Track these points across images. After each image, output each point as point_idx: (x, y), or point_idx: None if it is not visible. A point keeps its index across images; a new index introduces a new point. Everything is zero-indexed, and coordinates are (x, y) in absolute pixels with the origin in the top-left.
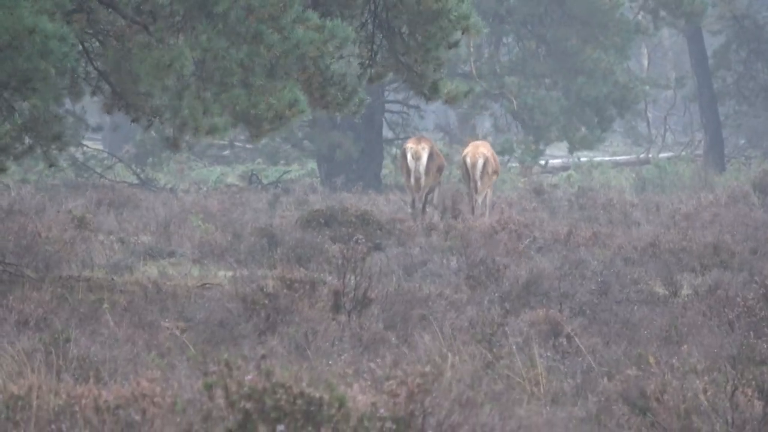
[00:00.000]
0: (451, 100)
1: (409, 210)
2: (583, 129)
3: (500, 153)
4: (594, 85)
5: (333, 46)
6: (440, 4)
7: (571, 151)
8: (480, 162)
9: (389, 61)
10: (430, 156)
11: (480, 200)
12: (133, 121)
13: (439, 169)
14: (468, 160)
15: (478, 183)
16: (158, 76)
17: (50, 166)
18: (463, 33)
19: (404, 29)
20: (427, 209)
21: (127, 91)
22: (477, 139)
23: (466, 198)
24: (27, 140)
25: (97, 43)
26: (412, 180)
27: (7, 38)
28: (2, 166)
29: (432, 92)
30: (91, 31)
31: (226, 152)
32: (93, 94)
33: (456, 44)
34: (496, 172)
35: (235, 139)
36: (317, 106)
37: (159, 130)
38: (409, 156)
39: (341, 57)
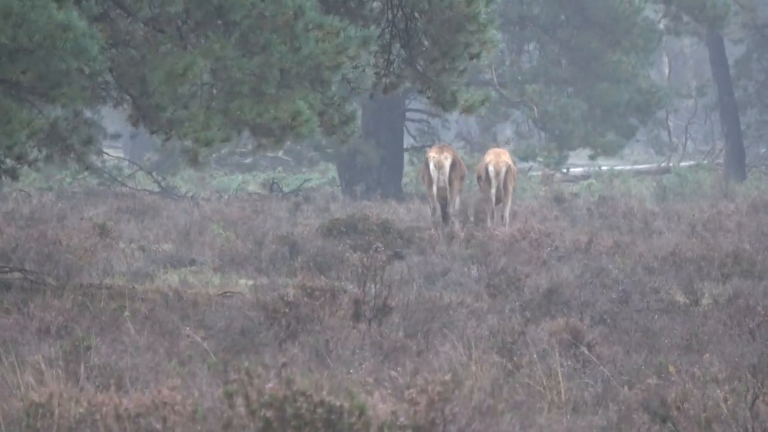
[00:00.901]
0: (467, 110)
1: (430, 218)
2: (606, 136)
3: (523, 159)
4: (617, 89)
5: (347, 57)
6: (472, 8)
7: (592, 158)
8: (503, 170)
9: (405, 70)
10: (453, 165)
11: (507, 211)
12: (152, 133)
13: (461, 178)
14: (491, 168)
15: (502, 191)
16: (171, 84)
17: (86, 168)
18: (481, 46)
19: (425, 39)
20: (450, 218)
21: (144, 103)
22: (498, 146)
23: (486, 206)
24: (44, 149)
25: (117, 53)
26: (435, 189)
27: (39, 38)
28: (16, 173)
29: (450, 102)
30: (111, 41)
31: (248, 160)
32: (116, 105)
33: (477, 56)
34: (514, 179)
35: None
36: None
37: (180, 146)
38: (431, 165)
39: (356, 67)
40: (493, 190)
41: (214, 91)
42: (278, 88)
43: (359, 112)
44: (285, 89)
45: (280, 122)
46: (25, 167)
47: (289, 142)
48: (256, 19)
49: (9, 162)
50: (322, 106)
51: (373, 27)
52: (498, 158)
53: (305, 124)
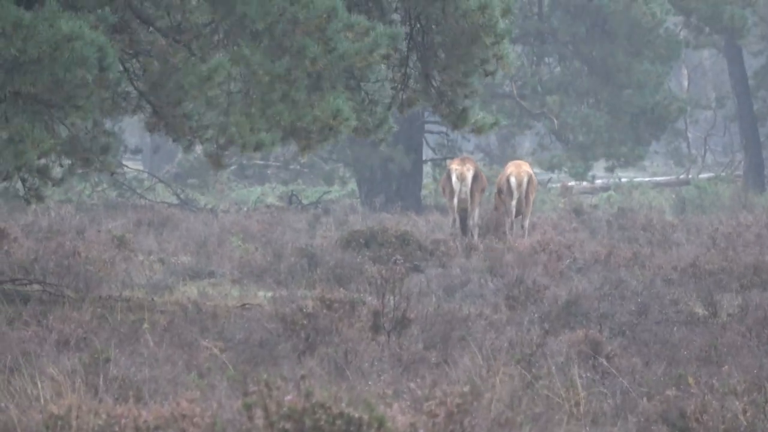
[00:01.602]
0: (477, 130)
1: (449, 230)
2: (626, 146)
3: (548, 170)
4: (640, 97)
5: (379, 55)
6: (486, 18)
7: (608, 169)
8: (525, 180)
9: (421, 85)
10: (475, 177)
11: (527, 222)
12: (174, 140)
13: (482, 191)
14: (513, 179)
15: (523, 203)
16: (201, 89)
17: (111, 174)
18: (497, 61)
19: (441, 52)
20: (470, 230)
21: (167, 111)
22: (520, 158)
23: (505, 219)
24: (66, 161)
25: (138, 64)
26: (455, 201)
27: (47, 49)
28: (40, 194)
29: (461, 121)
30: (131, 52)
31: (269, 170)
32: (134, 113)
33: (492, 73)
34: (535, 191)
35: (276, 160)
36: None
37: (202, 149)
38: (454, 177)
39: (376, 80)
40: (514, 202)
41: (253, 96)
42: (309, 91)
43: (394, 109)
44: (317, 92)
45: (321, 123)
46: (50, 186)
47: (326, 144)
48: (288, 24)
49: (32, 181)
50: (357, 108)
51: (399, 23)
52: (519, 169)
53: (345, 123)
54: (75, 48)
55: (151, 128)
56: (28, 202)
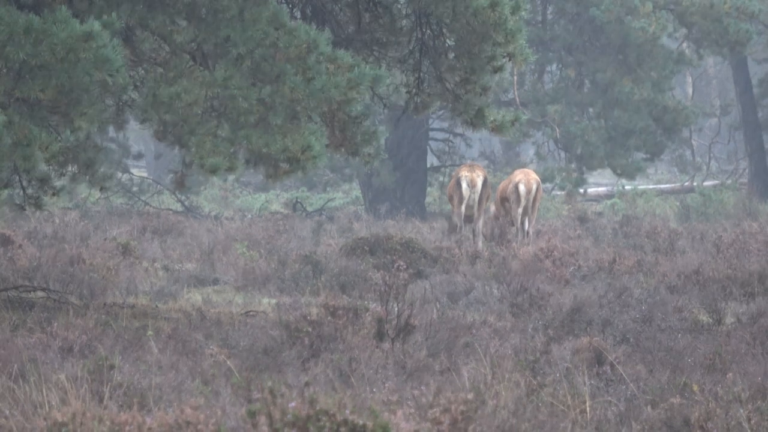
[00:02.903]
0: (496, 129)
1: (454, 235)
2: (624, 160)
3: (543, 181)
4: (629, 117)
5: (358, 93)
6: (497, 15)
7: (615, 176)
8: (534, 187)
9: (435, 88)
10: (483, 183)
11: (533, 229)
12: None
13: (488, 197)
14: (522, 187)
15: (529, 210)
16: (171, 105)
17: (100, 189)
18: (509, 60)
19: (450, 53)
20: (476, 237)
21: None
22: (525, 166)
23: (510, 225)
24: (69, 168)
25: (142, 72)
26: (463, 207)
27: (61, 51)
28: (39, 202)
29: (478, 120)
30: (135, 59)
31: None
32: (143, 121)
33: (501, 69)
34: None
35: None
36: (336, 145)
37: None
38: (464, 184)
39: (389, 84)
40: (520, 209)
41: (218, 120)
42: (286, 119)
43: (382, 131)
44: (293, 120)
45: (289, 154)
46: (49, 195)
47: (298, 173)
48: (268, 49)
49: (31, 190)
50: (342, 126)
51: (383, 67)
52: (528, 176)
53: (312, 160)
54: (91, 49)
55: (159, 137)
56: (23, 209)
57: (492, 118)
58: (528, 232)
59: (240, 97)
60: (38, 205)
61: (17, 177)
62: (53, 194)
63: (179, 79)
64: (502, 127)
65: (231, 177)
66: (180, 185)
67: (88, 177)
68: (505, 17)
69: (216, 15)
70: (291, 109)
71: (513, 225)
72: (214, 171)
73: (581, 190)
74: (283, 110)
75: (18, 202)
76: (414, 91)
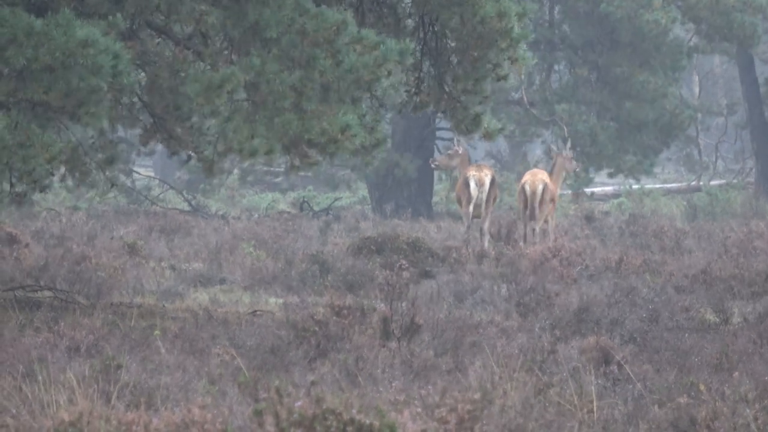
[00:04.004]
0: (487, 136)
1: (462, 236)
2: (633, 157)
3: None
4: (642, 109)
5: (386, 70)
6: (503, 23)
7: (611, 175)
8: (540, 188)
9: (434, 89)
10: (491, 183)
11: (538, 228)
12: (172, 154)
13: (495, 198)
14: (528, 187)
15: (536, 210)
16: (209, 97)
17: (111, 186)
18: (511, 63)
19: (453, 58)
20: (483, 237)
21: (170, 121)
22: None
23: (519, 225)
24: (67, 169)
25: (144, 74)
26: (471, 207)
27: (60, 56)
28: (24, 199)
29: (473, 126)
30: (139, 62)
31: (278, 179)
32: (132, 125)
33: (505, 77)
34: (553, 199)
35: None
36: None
37: (197, 156)
38: (472, 184)
39: (390, 85)
40: (528, 210)
41: (252, 108)
42: (318, 103)
43: (389, 132)
44: (324, 104)
45: (329, 136)
46: (38, 192)
47: (328, 157)
48: (296, 35)
49: (20, 187)
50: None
51: (407, 40)
52: (534, 177)
53: (352, 139)
54: (89, 55)
55: (144, 141)
56: (14, 197)
57: (486, 125)
58: (534, 231)
59: (276, 82)
60: (20, 202)
61: (8, 173)
62: (41, 191)
63: (215, 67)
64: (492, 135)
65: (235, 176)
66: (209, 172)
67: (105, 174)
68: (512, 26)
69: (242, 1)
70: (323, 93)
71: (521, 224)
72: (253, 154)
73: (589, 191)
74: (314, 95)
75: (14, 192)
76: (413, 90)
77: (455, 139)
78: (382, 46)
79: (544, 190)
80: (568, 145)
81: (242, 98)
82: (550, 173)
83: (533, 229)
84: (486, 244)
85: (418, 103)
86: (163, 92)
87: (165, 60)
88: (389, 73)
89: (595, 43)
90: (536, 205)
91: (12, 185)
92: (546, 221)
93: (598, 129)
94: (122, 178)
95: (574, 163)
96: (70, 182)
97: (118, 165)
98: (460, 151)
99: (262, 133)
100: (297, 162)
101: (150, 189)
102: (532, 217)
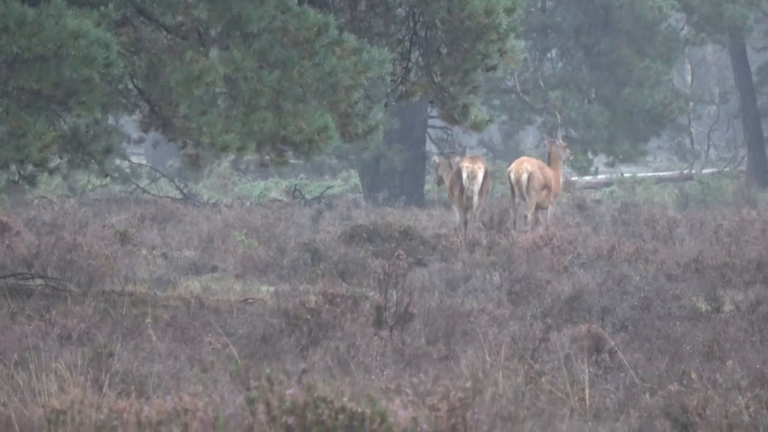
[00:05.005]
0: (475, 127)
1: (456, 225)
2: (627, 143)
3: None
4: (640, 95)
5: (366, 77)
6: (490, 19)
7: (609, 165)
8: (524, 176)
9: (422, 80)
10: (485, 176)
11: (530, 215)
12: (170, 140)
13: (488, 190)
14: (513, 176)
15: (526, 198)
16: (188, 87)
17: (105, 176)
18: (500, 56)
19: (443, 48)
20: (472, 222)
21: (165, 109)
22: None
23: (510, 212)
24: (66, 156)
25: (138, 61)
26: (464, 198)
27: (52, 46)
28: (34, 180)
29: (462, 116)
30: (133, 49)
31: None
32: (131, 111)
33: (494, 68)
34: (547, 187)
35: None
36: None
37: (184, 151)
38: (465, 175)
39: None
40: (516, 198)
41: (231, 101)
42: (295, 104)
43: (381, 118)
44: (300, 104)
45: (305, 135)
46: (45, 174)
47: (303, 156)
48: (277, 33)
49: (29, 168)
50: (346, 117)
51: (387, 48)
52: (519, 166)
53: (327, 141)
54: (80, 46)
55: (145, 128)
56: (15, 183)
57: (474, 116)
58: (527, 218)
59: (254, 79)
60: (32, 183)
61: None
62: (50, 173)
63: (196, 59)
64: (480, 126)
65: (227, 164)
66: (195, 164)
67: (97, 162)
68: (499, 21)
69: None
70: (300, 94)
71: (512, 213)
72: (224, 149)
73: (594, 170)
74: (292, 95)
75: (12, 179)
76: (399, 80)
77: (436, 158)
78: (364, 53)
79: (529, 177)
80: (560, 133)
81: (221, 91)
82: (548, 162)
83: (524, 216)
84: (471, 232)
85: (403, 92)
86: (156, 80)
87: (159, 47)
88: (369, 79)
89: (588, 30)
90: (524, 192)
91: (19, 170)
92: (545, 208)
93: (593, 114)
94: (116, 164)
95: (568, 151)
96: (73, 167)
97: (113, 155)
98: (437, 160)
99: (236, 128)
100: (269, 159)
101: (140, 177)
102: (524, 205)
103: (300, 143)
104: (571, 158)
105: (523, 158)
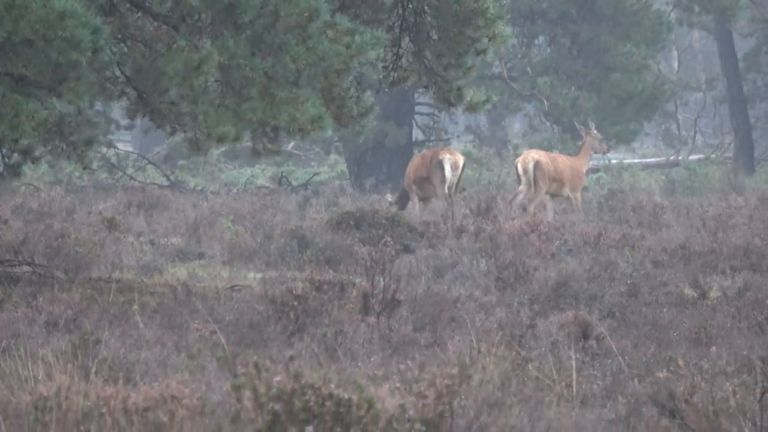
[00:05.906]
0: (471, 108)
1: (416, 214)
2: (617, 126)
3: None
4: (628, 80)
5: (359, 61)
6: (479, 3)
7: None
8: (531, 166)
9: (414, 65)
10: (463, 166)
11: (532, 208)
12: (158, 127)
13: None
14: (519, 166)
15: (533, 186)
16: (186, 77)
17: (84, 168)
18: (489, 40)
19: (434, 34)
20: (453, 213)
21: (152, 96)
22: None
23: (518, 196)
24: (56, 142)
25: (126, 48)
26: (446, 188)
27: (39, 28)
28: (19, 170)
29: (457, 99)
30: (119, 36)
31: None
32: (119, 98)
33: (484, 51)
34: (556, 179)
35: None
36: (331, 117)
37: (183, 136)
38: (447, 166)
39: (365, 62)
40: (523, 186)
41: (224, 89)
42: (288, 90)
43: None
44: (295, 90)
45: (298, 125)
46: (29, 164)
47: (293, 141)
48: (269, 18)
49: (15, 157)
50: (340, 101)
51: (380, 30)
52: (526, 156)
53: (320, 130)
54: (68, 27)
55: (132, 115)
56: (2, 176)
57: (469, 98)
58: (523, 206)
59: (247, 67)
60: (17, 173)
61: (12, 143)
62: (33, 162)
63: (195, 47)
64: (477, 107)
65: (217, 152)
66: (196, 148)
67: (78, 153)
68: (486, 6)
69: None
70: (293, 80)
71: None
72: (222, 140)
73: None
74: (285, 81)
75: None
76: (390, 66)
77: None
78: (357, 36)
79: (536, 166)
80: (593, 124)
81: (215, 80)
82: (579, 152)
83: (543, 204)
84: (449, 222)
85: (395, 78)
86: (142, 68)
87: (145, 35)
88: (361, 62)
89: (574, 16)
90: (531, 181)
91: (4, 158)
92: (562, 196)
93: (581, 100)
94: (99, 153)
95: (605, 145)
96: (50, 157)
97: (95, 146)
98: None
99: (228, 118)
100: (261, 148)
101: (129, 163)
102: (531, 192)
103: (293, 132)
104: (607, 153)
105: (531, 150)
